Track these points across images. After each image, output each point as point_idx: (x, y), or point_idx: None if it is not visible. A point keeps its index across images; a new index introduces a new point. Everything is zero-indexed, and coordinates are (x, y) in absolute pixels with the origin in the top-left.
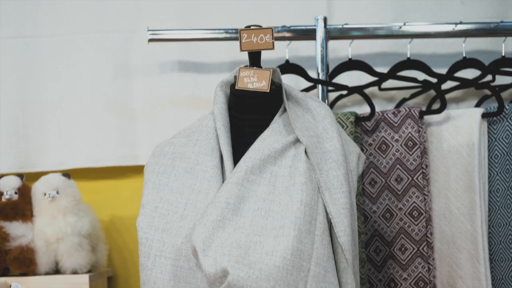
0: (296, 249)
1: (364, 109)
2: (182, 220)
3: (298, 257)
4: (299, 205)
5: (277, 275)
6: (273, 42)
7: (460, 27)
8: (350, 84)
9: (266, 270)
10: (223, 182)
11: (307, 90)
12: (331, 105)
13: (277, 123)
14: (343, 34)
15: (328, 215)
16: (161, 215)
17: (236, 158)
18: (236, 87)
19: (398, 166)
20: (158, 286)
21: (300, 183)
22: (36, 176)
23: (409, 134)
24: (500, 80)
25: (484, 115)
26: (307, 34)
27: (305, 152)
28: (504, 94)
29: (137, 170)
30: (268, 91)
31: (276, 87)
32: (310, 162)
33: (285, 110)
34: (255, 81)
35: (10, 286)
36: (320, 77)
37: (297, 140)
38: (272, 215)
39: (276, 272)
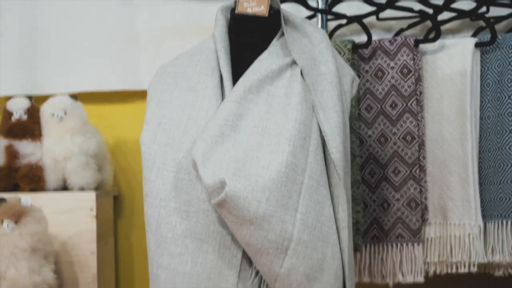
0: (290, 163)
1: (363, 39)
2: (184, 135)
3: (292, 171)
4: (294, 123)
5: (272, 186)
6: None
7: None
8: (349, 15)
9: (261, 182)
10: (222, 100)
11: (307, 19)
12: (330, 34)
13: (274, 46)
14: None
15: (321, 133)
16: (163, 130)
17: (235, 79)
18: (235, 12)
19: (393, 92)
20: (160, 197)
21: (295, 102)
22: (43, 99)
23: (404, 62)
24: (496, 11)
25: (477, 45)
26: None
27: (301, 73)
28: (499, 26)
29: (142, 95)
30: (266, 15)
31: (275, 12)
32: (305, 83)
33: (282, 34)
34: (254, 6)
35: (20, 200)
36: (320, 6)
37: (293, 62)
38: (269, 132)
39: (271, 184)
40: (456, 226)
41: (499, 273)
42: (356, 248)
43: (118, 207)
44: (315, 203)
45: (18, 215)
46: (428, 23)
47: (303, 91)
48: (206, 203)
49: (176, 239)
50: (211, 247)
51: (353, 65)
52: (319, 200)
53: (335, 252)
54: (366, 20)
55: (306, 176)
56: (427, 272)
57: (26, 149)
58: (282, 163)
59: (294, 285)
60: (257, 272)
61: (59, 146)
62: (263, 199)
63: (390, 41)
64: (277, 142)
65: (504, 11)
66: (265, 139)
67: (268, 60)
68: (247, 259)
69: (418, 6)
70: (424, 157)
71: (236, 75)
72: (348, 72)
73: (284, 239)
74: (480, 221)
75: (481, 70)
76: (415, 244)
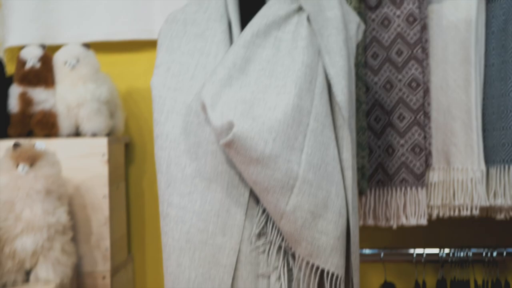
0: (296, 105)
1: None
2: (193, 79)
3: (298, 113)
4: (300, 66)
5: (278, 127)
6: None
7: None
8: None
9: (268, 123)
10: (230, 46)
11: None
12: None
13: None
14: None
15: (327, 76)
16: (173, 75)
17: (243, 25)
18: None
19: (399, 40)
20: (170, 139)
21: (302, 46)
22: (56, 48)
23: (410, 10)
24: None
25: None
26: None
27: (307, 19)
28: None
29: (153, 44)
30: None
31: None
32: (311, 28)
33: None
34: None
35: (34, 145)
36: None
37: (300, 9)
38: (275, 75)
39: (277, 125)
40: (459, 171)
41: (501, 216)
42: (361, 192)
43: (129, 154)
44: (320, 144)
45: (33, 159)
46: None
47: (310, 35)
48: (214, 144)
49: (185, 179)
50: (219, 187)
51: (360, 14)
52: (324, 141)
53: (339, 190)
54: None
55: (312, 118)
56: (430, 215)
57: (40, 96)
58: (288, 105)
59: (299, 221)
60: (264, 210)
61: (72, 93)
62: (269, 139)
63: None
64: (284, 84)
65: None
66: (272, 81)
67: (275, 6)
68: (254, 197)
69: None
70: (428, 104)
71: (244, 21)
72: (354, 19)
73: (290, 178)
74: (483, 166)
75: (486, 18)
76: (419, 188)
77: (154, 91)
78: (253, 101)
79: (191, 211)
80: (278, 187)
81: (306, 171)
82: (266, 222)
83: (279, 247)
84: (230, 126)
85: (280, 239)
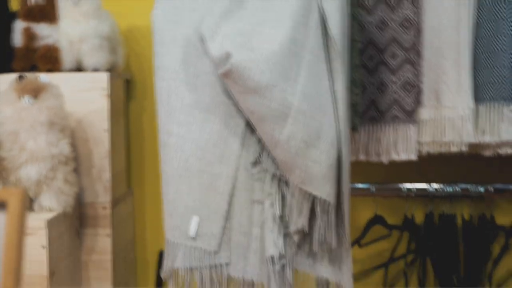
0: (292, 38)
1: None
2: (193, 13)
3: (293, 45)
4: (296, 1)
5: (275, 58)
6: None
7: None
8: None
9: (265, 54)
10: None
11: None
12: None
13: None
14: None
15: (322, 11)
16: (174, 8)
17: None
18: None
19: None
20: (170, 70)
21: None
22: None
23: None
24: None
25: None
26: None
27: None
28: None
29: None
30: None
31: None
32: None
33: None
34: None
35: (38, 77)
36: None
37: None
38: (272, 9)
39: (274, 56)
40: (449, 108)
41: (488, 153)
42: (354, 128)
43: (130, 91)
44: (314, 76)
45: (37, 91)
46: None
47: None
48: (213, 75)
49: (185, 109)
50: (217, 118)
51: None
52: (318, 73)
53: (332, 121)
54: None
55: (307, 51)
56: (420, 152)
57: (44, 31)
58: (284, 37)
59: (293, 150)
60: (259, 140)
61: (74, 28)
62: (266, 70)
63: None
64: (281, 18)
65: None
66: (269, 15)
67: None
68: (250, 128)
69: None
70: (421, 43)
71: None
72: None
73: (284, 108)
74: (472, 104)
75: None
76: (410, 125)
77: (155, 24)
78: (251, 34)
79: (190, 141)
80: (273, 117)
81: (300, 101)
82: (261, 151)
83: (273, 175)
84: (228, 56)
85: (275, 167)
